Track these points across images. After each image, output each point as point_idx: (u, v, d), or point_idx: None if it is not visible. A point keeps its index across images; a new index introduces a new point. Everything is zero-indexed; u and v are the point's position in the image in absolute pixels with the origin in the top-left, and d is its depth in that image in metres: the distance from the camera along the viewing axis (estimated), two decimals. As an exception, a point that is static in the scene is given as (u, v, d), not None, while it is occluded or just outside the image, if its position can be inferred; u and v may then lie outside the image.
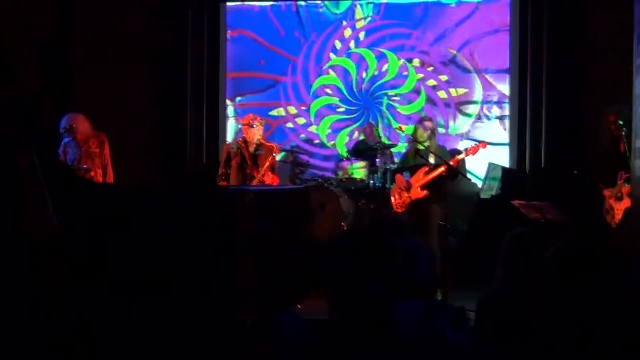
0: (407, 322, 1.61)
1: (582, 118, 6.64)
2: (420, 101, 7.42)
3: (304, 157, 7.43)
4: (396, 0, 7.50)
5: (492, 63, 7.33)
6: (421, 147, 5.48)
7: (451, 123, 7.41)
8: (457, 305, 1.89)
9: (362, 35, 7.61)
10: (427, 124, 5.52)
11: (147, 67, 7.34)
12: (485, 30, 7.33)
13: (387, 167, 6.56)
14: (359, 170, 6.56)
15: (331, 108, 7.63)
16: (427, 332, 1.60)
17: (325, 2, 7.63)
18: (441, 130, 7.33)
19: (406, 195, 5.50)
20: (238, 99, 7.76)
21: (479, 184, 7.11)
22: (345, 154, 7.38)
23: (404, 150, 6.09)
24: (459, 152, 5.75)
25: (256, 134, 5.93)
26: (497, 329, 2.31)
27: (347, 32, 7.62)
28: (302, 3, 7.65)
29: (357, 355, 1.55)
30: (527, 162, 7.00)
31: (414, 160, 5.61)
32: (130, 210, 3.62)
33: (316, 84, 7.64)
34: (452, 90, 7.42)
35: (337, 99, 7.61)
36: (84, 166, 5.57)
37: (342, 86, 7.60)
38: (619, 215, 4.91)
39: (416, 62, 7.48)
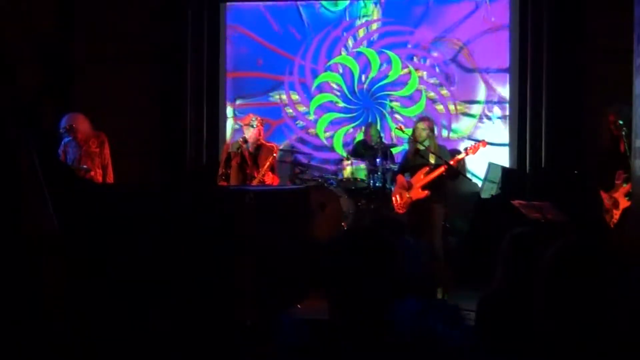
0: (403, 321, 1.61)
1: (582, 118, 6.64)
2: (421, 105, 7.41)
3: (304, 157, 7.43)
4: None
5: (493, 62, 7.33)
6: (421, 147, 5.48)
7: (454, 124, 7.40)
8: (452, 304, 1.89)
9: (362, 33, 7.60)
10: (426, 123, 5.52)
11: (147, 67, 7.35)
12: (486, 29, 7.33)
13: (387, 167, 6.56)
14: (360, 170, 6.56)
15: (331, 105, 7.63)
16: (423, 331, 1.60)
17: (323, 1, 7.64)
18: (444, 132, 7.33)
19: (407, 195, 5.50)
20: (238, 101, 7.76)
21: (479, 184, 7.11)
22: (342, 153, 7.39)
23: (405, 151, 6.08)
24: (460, 152, 5.75)
25: (256, 134, 5.93)
26: (497, 329, 2.31)
27: (348, 31, 7.62)
28: (302, 3, 7.65)
29: (357, 355, 1.55)
30: (527, 162, 7.00)
31: (414, 161, 5.60)
32: (130, 210, 3.62)
33: (318, 80, 7.63)
34: (447, 93, 7.42)
35: (338, 97, 7.61)
36: (84, 166, 5.57)
37: (343, 85, 7.60)
38: (617, 216, 4.92)
39: (416, 60, 7.48)
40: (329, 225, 6.04)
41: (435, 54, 7.44)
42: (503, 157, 7.22)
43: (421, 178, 5.44)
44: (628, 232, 4.38)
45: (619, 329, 1.34)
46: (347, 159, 6.71)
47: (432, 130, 5.51)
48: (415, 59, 7.50)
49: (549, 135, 6.82)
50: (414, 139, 5.55)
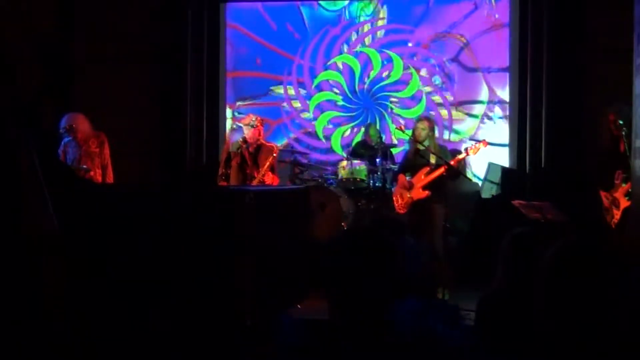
0: (404, 321, 1.61)
1: (582, 118, 6.63)
2: (421, 106, 7.40)
3: (304, 157, 7.44)
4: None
5: (494, 62, 7.32)
6: (421, 147, 5.48)
7: (457, 125, 7.39)
8: (452, 304, 1.90)
9: (362, 33, 7.60)
10: (426, 123, 5.51)
11: (147, 67, 7.34)
12: (488, 27, 7.32)
13: (387, 167, 6.56)
14: (360, 171, 6.55)
15: (331, 104, 7.62)
16: (422, 331, 1.60)
17: (321, 1, 7.63)
18: (445, 133, 7.32)
19: (408, 195, 5.50)
20: (238, 101, 7.76)
21: (480, 184, 7.10)
22: (340, 152, 7.40)
23: (406, 150, 6.08)
24: (460, 152, 5.75)
25: (256, 134, 5.94)
26: (497, 329, 2.31)
27: (348, 31, 7.62)
28: (302, 3, 7.65)
29: (357, 355, 1.55)
30: (527, 162, 6.99)
31: (414, 160, 5.60)
32: (130, 210, 3.62)
33: (319, 78, 7.63)
34: (449, 93, 7.42)
35: (338, 95, 7.61)
36: (84, 166, 5.57)
37: (344, 83, 7.60)
38: (617, 216, 4.92)
39: (417, 58, 7.47)
40: (329, 225, 6.04)
41: (436, 54, 7.43)
42: (503, 157, 7.22)
43: (422, 178, 5.44)
44: (628, 232, 4.38)
45: (619, 329, 1.34)
46: (347, 159, 6.71)
47: (432, 130, 5.50)
48: (416, 57, 7.50)
49: (549, 135, 6.82)
50: (414, 139, 5.55)
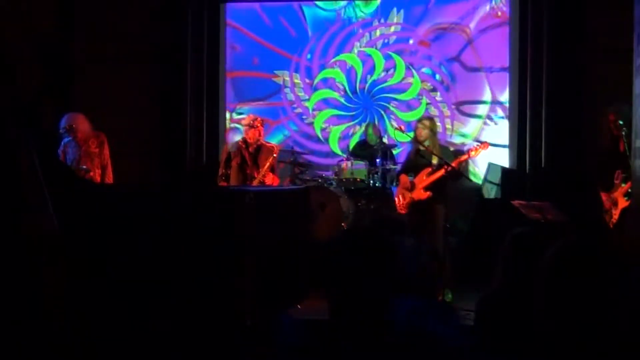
0: (400, 320, 1.61)
1: (582, 118, 6.64)
2: (420, 110, 7.39)
3: (304, 158, 7.44)
4: None
5: (496, 61, 7.31)
6: (422, 147, 5.47)
7: (461, 127, 7.38)
8: (447, 302, 1.90)
9: (363, 32, 7.60)
10: (428, 123, 5.50)
11: (147, 67, 7.35)
12: (490, 24, 7.32)
13: (387, 167, 6.56)
14: (360, 171, 6.55)
15: (331, 102, 7.62)
16: (418, 329, 1.60)
17: (319, 1, 7.63)
18: (448, 135, 7.31)
19: (410, 196, 5.49)
20: (238, 101, 7.76)
21: (481, 185, 7.10)
22: (337, 150, 7.40)
23: (408, 151, 6.07)
24: (463, 153, 5.73)
25: (256, 134, 5.94)
26: (497, 329, 2.31)
27: (349, 30, 7.61)
28: (301, 3, 7.65)
29: (357, 355, 1.55)
30: (527, 163, 6.99)
31: (415, 161, 5.60)
32: (130, 210, 3.62)
33: (321, 75, 7.63)
34: (452, 94, 7.41)
35: (339, 94, 7.61)
36: (84, 167, 5.57)
37: (345, 82, 7.60)
38: (616, 216, 4.92)
39: (419, 56, 7.47)
40: (329, 225, 6.04)
41: (438, 53, 7.41)
42: (503, 158, 7.22)
43: (424, 179, 5.43)
44: (628, 232, 4.38)
45: (619, 329, 1.34)
46: (347, 159, 6.71)
47: (433, 130, 5.48)
48: (417, 55, 7.47)
49: (549, 135, 6.82)
50: (415, 139, 5.55)
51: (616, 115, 4.93)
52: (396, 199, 5.66)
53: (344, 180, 6.56)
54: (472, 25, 7.34)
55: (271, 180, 5.91)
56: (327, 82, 7.63)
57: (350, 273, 1.58)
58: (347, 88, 7.59)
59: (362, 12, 7.60)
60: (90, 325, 3.20)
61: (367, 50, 7.56)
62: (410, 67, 7.47)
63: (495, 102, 7.32)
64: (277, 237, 4.13)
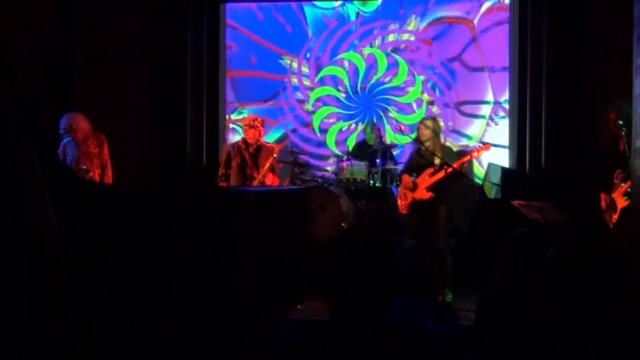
0: (395, 317, 1.61)
1: (582, 118, 6.63)
2: (420, 114, 7.38)
3: (304, 158, 7.45)
4: None
5: (498, 61, 7.30)
6: (423, 148, 5.47)
7: (465, 129, 7.37)
8: (441, 301, 1.91)
9: (363, 32, 7.59)
10: (430, 123, 5.48)
11: (147, 67, 7.34)
12: (494, 22, 7.32)
13: (387, 167, 6.56)
14: (360, 171, 6.55)
15: (331, 100, 7.62)
16: (412, 327, 1.60)
17: (318, 2, 7.63)
18: (451, 135, 7.31)
19: (412, 195, 5.49)
20: (238, 101, 7.76)
21: (483, 186, 7.09)
22: (333, 148, 7.40)
23: (411, 151, 6.05)
24: (466, 153, 5.70)
25: (257, 134, 5.95)
26: (497, 328, 2.31)
27: (349, 30, 7.61)
28: (301, 3, 7.65)
29: (357, 355, 1.55)
30: (527, 163, 6.99)
31: (416, 161, 5.60)
32: (130, 210, 3.62)
33: (323, 72, 7.62)
34: (454, 95, 7.41)
35: (339, 92, 7.60)
36: (84, 167, 5.57)
37: (347, 81, 7.59)
38: (615, 215, 4.92)
39: (408, 36, 7.44)
40: (329, 225, 6.04)
41: (440, 52, 7.41)
42: (503, 158, 7.21)
43: (426, 179, 5.42)
44: (628, 232, 4.37)
45: (619, 328, 1.34)
46: (347, 159, 6.71)
47: (435, 131, 5.46)
48: (419, 55, 7.47)
49: (549, 135, 6.81)
50: (418, 139, 5.54)
51: (617, 114, 4.92)
52: (398, 198, 5.66)
53: (343, 180, 6.56)
54: (475, 21, 7.32)
55: (271, 180, 5.91)
56: (329, 80, 7.62)
57: (350, 273, 1.58)
58: (348, 87, 7.59)
59: (363, 10, 7.60)
60: (90, 325, 3.20)
61: (371, 50, 7.55)
62: (413, 71, 7.45)
63: (495, 102, 7.31)
64: (277, 237, 4.13)
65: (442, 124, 5.61)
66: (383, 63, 7.52)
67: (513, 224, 3.91)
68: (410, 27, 7.47)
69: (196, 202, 3.73)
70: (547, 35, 6.81)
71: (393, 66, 7.50)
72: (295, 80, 7.66)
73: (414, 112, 7.44)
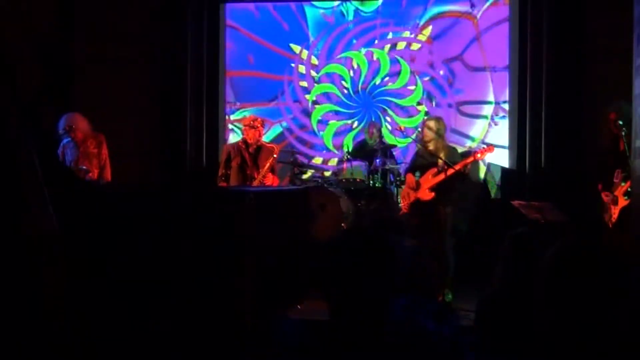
0: (394, 316, 1.61)
1: (582, 118, 6.63)
2: (420, 116, 7.38)
3: (304, 158, 7.45)
4: None
5: (500, 60, 7.30)
6: (427, 147, 5.46)
7: (468, 130, 7.36)
8: (441, 301, 1.91)
9: (364, 32, 7.59)
10: (433, 123, 5.47)
11: (147, 67, 7.35)
12: (488, 27, 7.32)
13: (387, 167, 6.55)
14: (360, 171, 6.55)
15: (331, 97, 7.62)
16: (412, 327, 1.60)
17: (318, 2, 7.63)
18: (454, 136, 7.30)
19: (415, 195, 5.48)
20: (238, 101, 7.76)
21: (488, 187, 7.08)
22: (330, 146, 7.40)
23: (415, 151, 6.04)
24: (470, 154, 5.67)
25: (257, 135, 5.95)
26: (497, 328, 2.31)
27: (350, 31, 7.61)
28: (301, 3, 7.65)
29: (357, 355, 1.55)
30: (527, 163, 6.99)
31: (419, 161, 5.60)
32: (130, 210, 3.62)
33: (325, 69, 7.62)
34: (456, 95, 7.41)
35: (340, 90, 7.60)
36: (84, 167, 5.58)
37: (348, 79, 7.59)
38: (615, 215, 4.92)
39: (416, 46, 7.43)
40: (329, 225, 6.04)
41: (442, 51, 7.40)
42: (503, 158, 7.21)
43: (429, 179, 5.41)
44: (628, 232, 4.38)
45: (619, 329, 1.34)
46: (347, 159, 6.71)
47: (439, 131, 5.43)
48: (420, 54, 7.46)
49: (549, 135, 6.81)
50: (421, 139, 5.54)
51: (617, 114, 4.93)
52: (401, 198, 5.66)
53: (343, 180, 6.56)
54: (479, 15, 7.30)
55: (271, 180, 5.91)
56: (330, 77, 7.62)
57: (350, 273, 1.58)
58: (349, 86, 7.59)
59: (362, 10, 7.59)
60: (90, 325, 3.20)
61: (375, 51, 7.54)
62: (415, 75, 7.44)
63: (496, 103, 7.31)
64: (277, 237, 4.13)
65: (445, 124, 5.58)
66: (386, 65, 7.52)
67: (513, 224, 3.91)
68: (411, 25, 7.46)
69: (196, 202, 3.73)
70: (547, 35, 6.81)
71: (395, 69, 7.49)
72: (303, 69, 7.62)
73: (414, 115, 7.43)
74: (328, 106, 7.62)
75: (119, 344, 3.30)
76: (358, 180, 6.53)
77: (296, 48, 7.64)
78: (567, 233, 4.83)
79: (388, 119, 7.49)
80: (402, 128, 6.19)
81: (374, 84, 7.53)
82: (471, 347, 1.72)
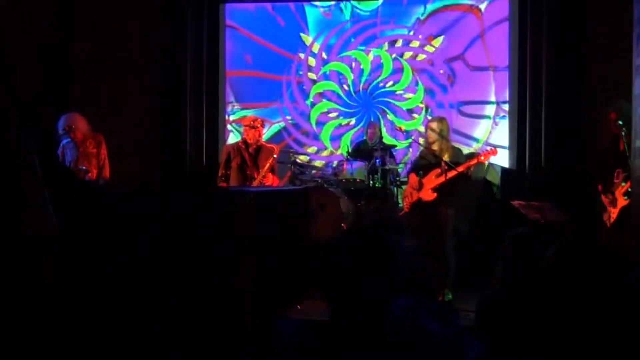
0: (395, 319, 1.61)
1: (582, 118, 6.63)
2: (419, 119, 7.37)
3: (303, 158, 7.45)
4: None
5: (500, 60, 7.30)
6: (429, 148, 5.45)
7: (472, 131, 7.35)
8: (444, 301, 1.91)
9: (365, 32, 7.59)
10: (436, 124, 5.46)
11: (147, 67, 7.35)
12: (484, 29, 7.31)
13: (387, 167, 6.55)
14: (360, 171, 6.55)
15: (331, 95, 7.61)
16: (414, 328, 1.60)
17: (319, 2, 7.63)
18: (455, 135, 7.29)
19: (417, 195, 5.48)
20: (238, 101, 7.75)
21: (492, 188, 7.08)
22: (327, 143, 7.41)
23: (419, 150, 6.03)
24: (473, 156, 5.65)
25: (257, 135, 5.95)
26: (497, 328, 2.31)
27: (352, 28, 7.60)
28: (301, 3, 7.65)
29: (357, 355, 1.54)
30: (527, 163, 6.99)
31: (421, 161, 5.60)
32: (130, 210, 3.62)
33: (328, 67, 7.61)
34: (456, 95, 7.40)
35: (341, 89, 7.60)
36: (83, 167, 5.58)
37: (350, 78, 7.59)
38: (614, 215, 4.92)
39: (421, 57, 7.44)
40: (329, 225, 6.04)
41: (440, 54, 7.40)
42: (503, 158, 7.21)
43: (432, 179, 5.41)
44: (628, 232, 4.37)
45: (619, 328, 1.34)
46: (347, 159, 6.71)
47: (441, 133, 5.42)
48: (422, 53, 7.46)
49: (549, 135, 6.81)
50: (425, 140, 5.54)
51: (617, 113, 4.93)
52: (404, 197, 5.67)
53: (343, 180, 6.56)
54: (483, 7, 7.28)
55: (271, 181, 5.91)
56: (332, 75, 7.61)
57: (350, 273, 1.58)
58: (351, 85, 7.58)
59: (360, 9, 7.59)
60: (90, 325, 3.20)
61: (379, 52, 7.53)
62: (417, 77, 7.43)
63: (497, 103, 7.31)
64: (277, 237, 4.12)
65: (449, 124, 5.56)
66: (389, 66, 7.51)
67: (513, 224, 3.91)
68: (412, 22, 7.46)
69: (196, 202, 3.73)
70: (547, 34, 6.81)
71: (398, 71, 7.48)
72: (313, 62, 7.61)
73: (414, 118, 7.43)
74: (328, 104, 7.62)
75: (119, 344, 3.30)
76: (358, 180, 6.53)
77: (307, 39, 7.61)
78: (567, 233, 4.83)
79: (389, 117, 7.49)
80: (403, 129, 6.18)
81: (375, 84, 7.52)
82: (466, 346, 1.72)
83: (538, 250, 2.30)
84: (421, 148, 5.76)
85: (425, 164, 5.55)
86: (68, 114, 5.76)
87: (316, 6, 7.65)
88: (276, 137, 7.58)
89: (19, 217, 2.44)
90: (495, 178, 6.98)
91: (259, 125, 5.96)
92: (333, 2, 7.61)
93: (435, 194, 5.37)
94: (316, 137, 7.63)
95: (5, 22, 6.12)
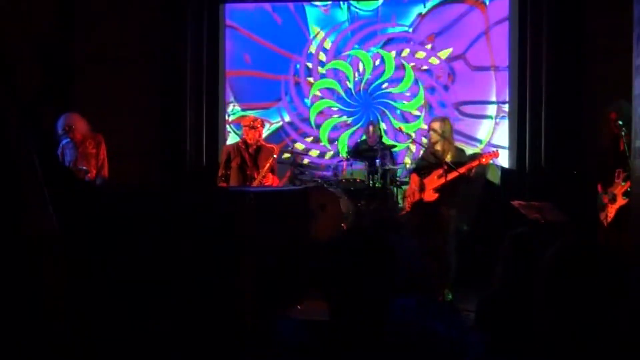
0: (397, 319, 1.62)
1: (582, 118, 6.63)
2: (419, 122, 7.37)
3: (304, 158, 7.45)
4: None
5: (501, 60, 7.29)
6: (434, 149, 5.45)
7: (474, 132, 7.35)
8: (447, 301, 1.91)
9: (365, 32, 7.58)
10: (435, 125, 5.45)
11: (147, 67, 7.35)
12: (489, 26, 7.30)
13: (387, 167, 6.55)
14: (360, 171, 6.55)
15: (331, 94, 7.61)
16: (417, 329, 1.60)
17: (319, 2, 7.63)
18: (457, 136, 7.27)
19: (419, 196, 5.48)
20: (238, 101, 7.75)
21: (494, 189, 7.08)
22: (325, 142, 7.40)
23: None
24: (476, 157, 5.63)
25: (257, 135, 5.95)
26: (497, 329, 2.31)
27: (352, 27, 7.60)
28: (301, 3, 7.65)
29: (357, 355, 1.55)
30: (527, 163, 6.99)
31: (422, 161, 5.60)
32: (130, 210, 3.62)
33: (328, 66, 7.61)
34: (457, 96, 7.40)
35: (342, 87, 7.60)
36: (83, 168, 5.58)
37: (351, 77, 7.58)
38: (611, 214, 4.92)
39: (420, 54, 7.42)
40: (329, 225, 6.04)
41: (445, 49, 7.40)
42: (503, 158, 7.21)
43: (435, 179, 5.41)
44: (628, 232, 4.38)
45: (619, 328, 1.34)
46: (347, 159, 6.71)
47: (443, 133, 5.40)
48: (422, 53, 7.46)
49: (549, 135, 6.81)
50: (427, 140, 5.54)
51: (617, 113, 4.93)
52: (406, 197, 5.67)
53: (343, 180, 6.56)
54: (487, 1, 7.27)
55: (271, 181, 5.92)
56: (333, 73, 7.61)
57: (350, 273, 1.58)
58: (351, 84, 7.58)
59: (360, 8, 7.59)
60: (90, 325, 3.20)
61: (381, 52, 7.52)
62: (418, 79, 7.43)
63: (497, 102, 7.30)
64: (277, 237, 4.12)
65: (451, 124, 5.55)
66: (391, 68, 7.50)
67: (513, 224, 3.91)
68: (411, 21, 7.46)
69: (196, 202, 3.73)
70: (547, 34, 6.81)
71: (400, 73, 7.47)
72: (323, 57, 7.60)
73: (415, 119, 7.42)
74: (327, 102, 7.62)
75: (119, 343, 3.30)
76: (358, 180, 6.53)
77: (314, 29, 7.61)
78: (567, 233, 4.83)
79: (389, 117, 7.49)
80: (402, 128, 6.18)
81: (376, 84, 7.52)
82: (469, 346, 1.72)
83: (538, 250, 2.30)
84: (423, 149, 5.76)
85: (427, 164, 5.54)
86: (67, 114, 5.76)
87: (316, 6, 7.64)
88: (276, 137, 7.58)
89: (19, 217, 2.44)
90: (495, 178, 6.98)
91: (258, 126, 5.97)
92: (332, 2, 7.61)
93: (437, 195, 5.37)
94: (316, 137, 7.63)
95: (5, 22, 6.12)
